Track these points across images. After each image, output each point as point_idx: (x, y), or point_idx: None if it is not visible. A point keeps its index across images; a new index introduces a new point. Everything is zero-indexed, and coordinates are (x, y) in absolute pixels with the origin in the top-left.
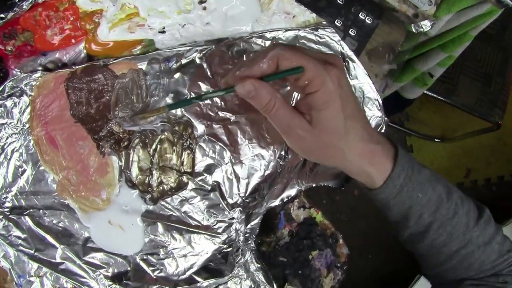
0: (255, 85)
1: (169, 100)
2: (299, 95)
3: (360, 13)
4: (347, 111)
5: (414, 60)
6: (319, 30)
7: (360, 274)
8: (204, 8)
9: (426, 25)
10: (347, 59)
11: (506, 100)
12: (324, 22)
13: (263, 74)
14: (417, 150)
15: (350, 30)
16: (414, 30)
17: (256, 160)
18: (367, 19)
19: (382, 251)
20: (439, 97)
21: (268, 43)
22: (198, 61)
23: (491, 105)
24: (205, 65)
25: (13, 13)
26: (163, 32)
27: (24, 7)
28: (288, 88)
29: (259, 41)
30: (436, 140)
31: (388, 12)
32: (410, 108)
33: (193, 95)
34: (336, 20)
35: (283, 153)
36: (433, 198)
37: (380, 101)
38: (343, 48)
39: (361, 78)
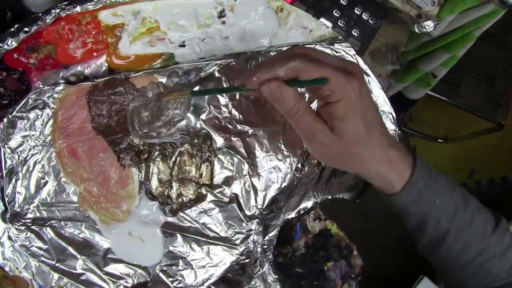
0: (281, 88)
1: (189, 114)
2: (319, 102)
3: (363, 14)
4: (368, 119)
5: (417, 61)
6: (335, 44)
7: (362, 271)
8: (223, 23)
9: (429, 25)
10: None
11: (509, 101)
12: (340, 37)
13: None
14: (420, 151)
15: (353, 30)
16: (417, 31)
17: (273, 173)
18: (370, 19)
19: (385, 251)
20: (442, 98)
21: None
22: (217, 74)
23: (494, 105)
24: (223, 79)
25: (36, 27)
26: (183, 46)
27: (48, 20)
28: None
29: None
30: (439, 140)
31: (391, 13)
32: (413, 108)
33: (212, 108)
34: (339, 21)
35: (299, 165)
36: (451, 205)
37: (394, 115)
38: (358, 62)
39: (376, 92)
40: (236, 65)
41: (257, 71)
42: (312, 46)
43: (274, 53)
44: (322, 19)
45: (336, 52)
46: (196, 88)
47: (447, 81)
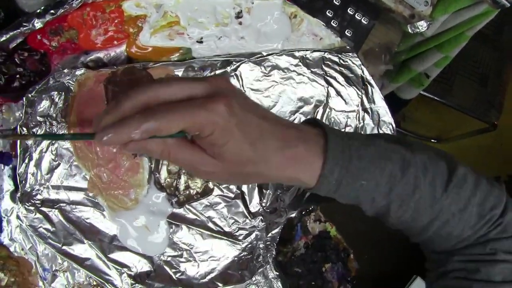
0: (140, 145)
1: None
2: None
3: (357, 14)
4: (251, 135)
5: (410, 61)
6: (343, 53)
7: (357, 274)
8: (240, 23)
9: (422, 25)
10: (366, 83)
11: (502, 101)
12: (348, 47)
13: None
14: None
15: (346, 30)
16: (410, 31)
17: None
18: (364, 19)
19: (379, 252)
20: (435, 98)
21: (296, 61)
22: (230, 72)
23: (487, 105)
24: (237, 77)
25: (63, 10)
26: (201, 42)
27: (74, 5)
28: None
29: (288, 58)
30: (432, 140)
31: (385, 13)
32: (406, 108)
33: None
34: (332, 21)
35: None
36: (383, 180)
37: (394, 125)
38: (363, 72)
39: (378, 103)
40: (249, 65)
41: (108, 130)
42: (322, 53)
43: (287, 56)
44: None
45: (344, 61)
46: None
47: (440, 81)
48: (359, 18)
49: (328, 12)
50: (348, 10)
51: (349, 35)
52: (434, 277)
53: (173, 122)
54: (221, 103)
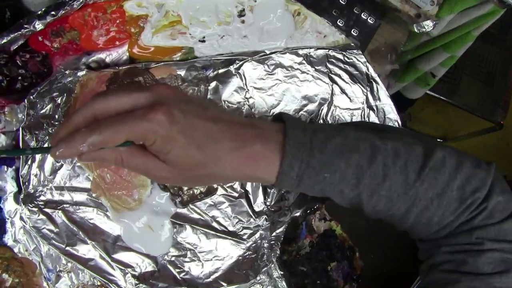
0: (89, 155)
1: None
2: None
3: (363, 13)
4: (197, 139)
5: (416, 60)
6: (347, 51)
7: (362, 273)
8: (243, 22)
9: (428, 25)
10: (371, 80)
11: (508, 100)
12: (352, 44)
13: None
14: None
15: (352, 30)
16: (416, 30)
17: None
18: (369, 19)
19: (384, 251)
20: (441, 97)
21: (300, 59)
22: (233, 71)
23: (493, 105)
24: (240, 76)
25: (63, 11)
26: (203, 41)
27: (75, 6)
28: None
29: (291, 56)
30: (438, 140)
31: (390, 12)
32: (412, 108)
33: (227, 104)
34: (338, 20)
35: None
36: (349, 171)
37: (400, 122)
38: (368, 69)
39: (383, 100)
40: (252, 63)
41: (60, 145)
42: (326, 50)
43: (290, 54)
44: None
45: (348, 58)
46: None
47: (446, 80)
48: (365, 18)
49: (334, 11)
50: (354, 10)
51: (355, 34)
52: (425, 269)
53: (116, 134)
54: (160, 112)
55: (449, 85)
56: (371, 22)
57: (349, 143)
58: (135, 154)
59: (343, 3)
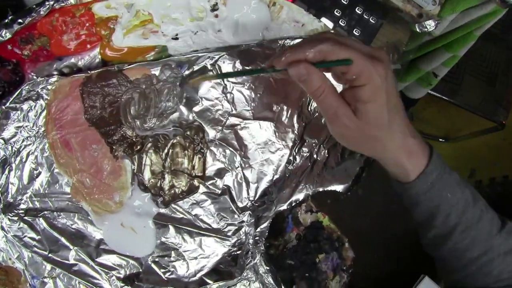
0: (308, 69)
1: (182, 106)
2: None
3: (364, 13)
4: (391, 105)
5: (418, 60)
6: None
7: (364, 273)
8: (216, 16)
9: (430, 25)
10: None
11: (510, 100)
12: (332, 31)
13: (310, 61)
14: None
15: (355, 30)
16: (418, 30)
17: (265, 165)
18: (371, 19)
19: (386, 251)
20: (443, 97)
21: (277, 50)
22: (209, 67)
23: (495, 104)
24: (216, 71)
25: (30, 18)
26: (176, 38)
27: (42, 12)
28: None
29: (269, 48)
30: (440, 140)
31: (392, 12)
32: (414, 108)
33: (204, 101)
34: (340, 20)
35: (291, 158)
36: (461, 200)
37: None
38: None
39: None
40: (228, 58)
41: (286, 53)
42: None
43: (267, 45)
44: (323, 19)
45: None
46: (183, 107)
47: (448, 80)
48: (367, 18)
49: (336, 11)
50: (356, 10)
51: (357, 34)
52: None
53: (342, 50)
54: (382, 66)
55: (451, 85)
56: (373, 22)
57: (461, 180)
58: (336, 94)
59: (345, 3)
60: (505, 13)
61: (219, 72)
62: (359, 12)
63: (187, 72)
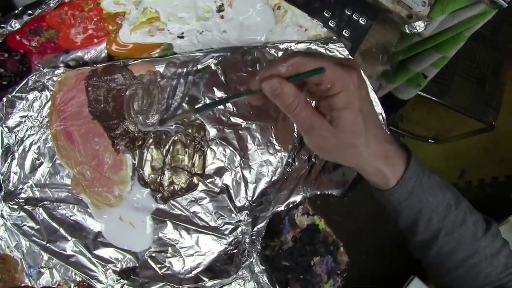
0: (281, 83)
1: (184, 104)
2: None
3: (354, 14)
4: (365, 111)
5: (408, 61)
6: (329, 44)
7: (354, 275)
8: (222, 17)
9: (420, 26)
10: None
11: (500, 101)
12: (334, 37)
13: (283, 76)
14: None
15: (344, 31)
16: (408, 31)
17: (264, 166)
18: (361, 20)
19: (376, 252)
20: (433, 98)
21: (280, 53)
22: (213, 67)
23: (485, 106)
24: (219, 71)
25: (40, 10)
26: (182, 37)
27: (52, 5)
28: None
29: (272, 51)
30: (430, 141)
31: (382, 13)
32: (404, 109)
33: (207, 99)
34: (330, 21)
35: (290, 160)
36: (443, 203)
37: (384, 116)
38: None
39: None
40: (232, 58)
41: (260, 73)
42: (307, 44)
43: (270, 49)
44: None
45: (330, 51)
46: (185, 105)
47: (437, 81)
48: (356, 19)
49: (326, 12)
50: (346, 11)
51: (346, 35)
52: None
53: (314, 60)
54: (355, 73)
55: (440, 85)
56: (363, 23)
57: (443, 183)
58: (310, 107)
59: (335, 4)
60: (494, 14)
61: (197, 107)
62: (349, 13)
63: (191, 71)
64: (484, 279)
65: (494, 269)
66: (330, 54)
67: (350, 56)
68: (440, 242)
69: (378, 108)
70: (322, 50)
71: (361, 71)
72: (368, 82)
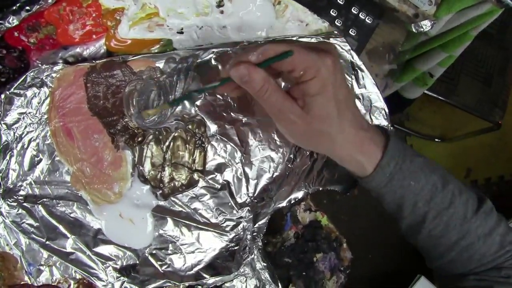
0: (249, 70)
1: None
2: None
3: (361, 13)
4: (340, 98)
5: (414, 60)
6: (331, 39)
7: (361, 273)
8: (222, 12)
9: (426, 25)
10: (356, 68)
11: (506, 100)
12: (336, 32)
13: (253, 63)
14: (417, 150)
15: (350, 30)
16: (414, 30)
17: (265, 162)
18: (367, 19)
19: (383, 251)
20: (439, 97)
21: None
22: (213, 62)
23: (491, 105)
24: (219, 67)
25: (38, 6)
26: (181, 32)
27: (50, 1)
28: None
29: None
30: (436, 140)
31: (388, 12)
32: (410, 108)
33: (207, 95)
34: (336, 20)
35: (291, 156)
36: (427, 187)
37: (387, 111)
38: (352, 58)
39: (369, 88)
40: (232, 54)
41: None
42: (308, 39)
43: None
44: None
45: None
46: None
47: (444, 80)
48: (363, 18)
49: (332, 11)
50: (352, 10)
51: (353, 34)
52: None
53: (283, 45)
54: (330, 59)
55: (447, 85)
56: (369, 22)
57: (428, 165)
58: (280, 91)
59: (341, 3)
60: (501, 13)
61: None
62: (355, 12)
63: (191, 66)
64: (479, 260)
65: (489, 249)
66: None
67: (352, 51)
68: (428, 225)
69: (381, 103)
70: None
71: (338, 56)
72: (369, 77)
